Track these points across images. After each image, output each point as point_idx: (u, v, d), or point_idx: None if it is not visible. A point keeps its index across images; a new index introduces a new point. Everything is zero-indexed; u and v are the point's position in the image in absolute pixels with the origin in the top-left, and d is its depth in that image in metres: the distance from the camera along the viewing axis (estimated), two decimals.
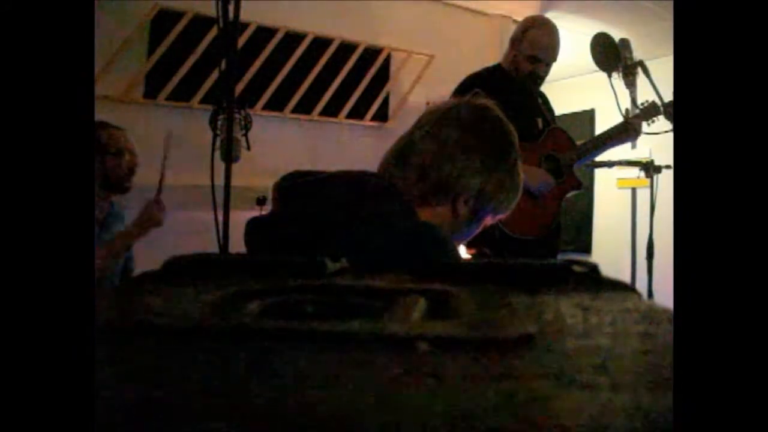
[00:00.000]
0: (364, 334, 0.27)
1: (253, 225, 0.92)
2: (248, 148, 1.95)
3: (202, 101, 3.14)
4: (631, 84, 2.47)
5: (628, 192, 3.61)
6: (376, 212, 0.87)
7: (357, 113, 3.73)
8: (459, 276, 0.45)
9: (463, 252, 2.11)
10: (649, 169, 2.91)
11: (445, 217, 1.00)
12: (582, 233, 5.36)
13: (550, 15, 3.28)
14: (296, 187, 0.92)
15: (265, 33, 3.41)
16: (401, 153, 1.02)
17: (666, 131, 2.33)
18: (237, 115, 1.90)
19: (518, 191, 1.07)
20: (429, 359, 0.24)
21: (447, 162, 0.99)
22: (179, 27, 3.18)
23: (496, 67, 2.43)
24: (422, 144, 1.00)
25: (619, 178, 4.41)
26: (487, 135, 1.02)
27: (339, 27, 3.64)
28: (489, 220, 1.07)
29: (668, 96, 2.30)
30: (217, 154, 1.89)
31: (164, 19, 3.16)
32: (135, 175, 2.08)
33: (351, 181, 0.92)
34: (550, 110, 2.50)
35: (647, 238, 2.92)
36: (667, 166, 2.89)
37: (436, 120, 1.03)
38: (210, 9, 1.97)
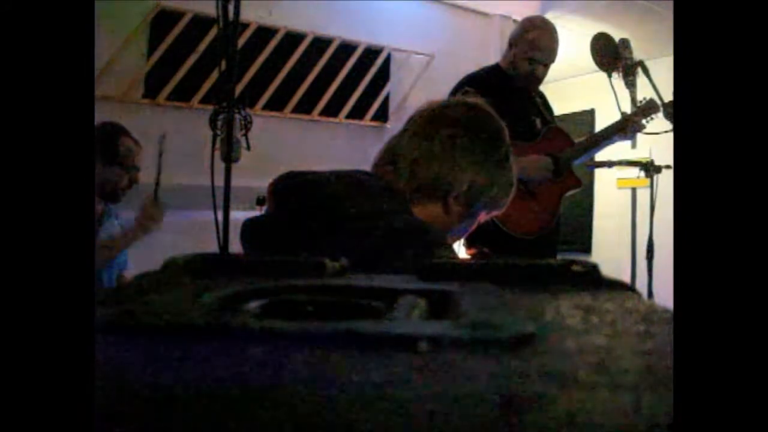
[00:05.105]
0: (363, 335, 0.27)
1: (248, 225, 0.92)
2: (248, 148, 1.95)
3: (202, 101, 3.14)
4: (631, 84, 2.47)
5: (628, 192, 3.61)
6: (371, 211, 0.87)
7: (357, 113, 3.73)
8: (459, 276, 0.45)
9: (463, 252, 2.12)
10: (649, 169, 2.91)
11: (437, 215, 1.01)
12: (582, 233, 5.36)
13: (550, 15, 3.28)
14: (291, 188, 0.92)
15: (265, 33, 3.41)
16: (392, 152, 1.03)
17: (666, 131, 2.33)
18: (237, 115, 1.90)
19: (511, 187, 1.07)
20: (429, 359, 0.24)
21: (436, 160, 0.99)
22: (179, 27, 3.18)
23: (495, 68, 2.44)
24: (412, 142, 1.01)
25: (619, 178, 4.41)
26: (476, 132, 1.02)
27: (339, 27, 3.64)
28: (483, 217, 1.08)
29: (668, 96, 2.30)
30: (217, 154, 1.89)
31: (164, 19, 3.16)
32: (131, 189, 2.11)
33: (345, 180, 0.92)
34: (549, 110, 2.50)
35: (647, 238, 2.92)
36: (667, 166, 2.89)
37: (425, 118, 1.03)
38: (210, 9, 1.97)
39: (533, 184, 2.25)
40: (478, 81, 2.28)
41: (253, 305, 0.35)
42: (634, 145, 3.73)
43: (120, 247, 2.06)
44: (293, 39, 3.50)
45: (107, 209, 2.13)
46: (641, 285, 2.74)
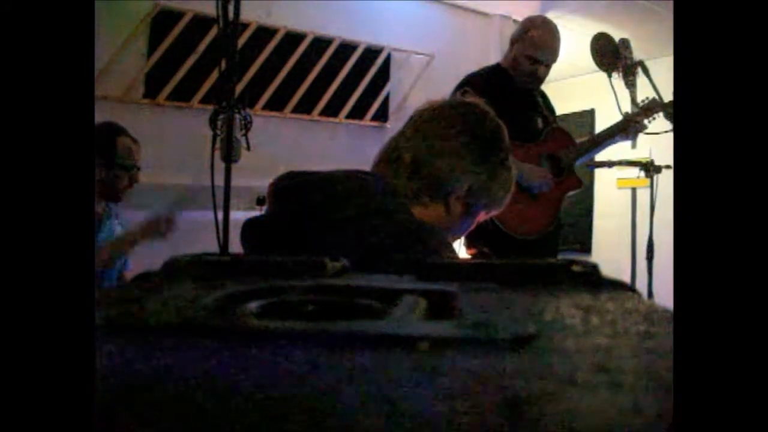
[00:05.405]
0: (364, 335, 0.27)
1: (248, 225, 0.92)
2: (248, 148, 1.95)
3: (202, 101, 3.14)
4: (631, 84, 2.47)
5: (628, 192, 3.61)
6: (371, 211, 0.87)
7: (357, 113, 3.73)
8: (459, 276, 0.45)
9: (463, 252, 2.11)
10: (649, 169, 2.91)
11: (438, 214, 1.01)
12: (582, 233, 5.36)
13: (550, 15, 3.27)
14: (291, 187, 0.92)
15: (265, 33, 3.41)
16: (393, 152, 1.03)
17: (666, 131, 2.33)
18: (237, 115, 1.90)
19: (510, 186, 1.08)
20: (429, 359, 0.24)
21: (438, 159, 0.99)
22: (179, 27, 3.18)
23: (496, 67, 2.43)
24: (413, 142, 1.01)
25: (619, 178, 4.41)
26: (477, 131, 1.02)
27: (339, 27, 3.64)
28: (482, 216, 1.08)
29: (668, 96, 2.30)
30: (217, 154, 1.89)
31: (164, 19, 3.16)
32: (132, 188, 2.10)
33: (345, 180, 0.92)
34: (551, 110, 2.50)
35: (647, 238, 2.91)
36: (667, 166, 2.89)
37: (426, 118, 1.04)
38: (210, 9, 1.97)
39: (533, 189, 2.25)
40: (479, 81, 2.29)
41: (253, 305, 0.35)
42: (634, 145, 3.73)
43: (118, 248, 2.05)
44: (293, 39, 3.50)
45: (108, 210, 2.13)
46: (641, 285, 2.73)
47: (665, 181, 2.52)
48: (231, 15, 1.85)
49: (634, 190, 3.49)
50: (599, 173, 5.01)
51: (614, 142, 2.46)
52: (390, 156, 1.03)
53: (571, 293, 0.40)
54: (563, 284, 0.42)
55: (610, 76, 2.52)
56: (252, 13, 3.18)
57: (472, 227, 1.10)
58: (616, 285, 0.43)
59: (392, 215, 0.89)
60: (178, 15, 3.18)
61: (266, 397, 0.20)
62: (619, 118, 2.46)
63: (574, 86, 5.14)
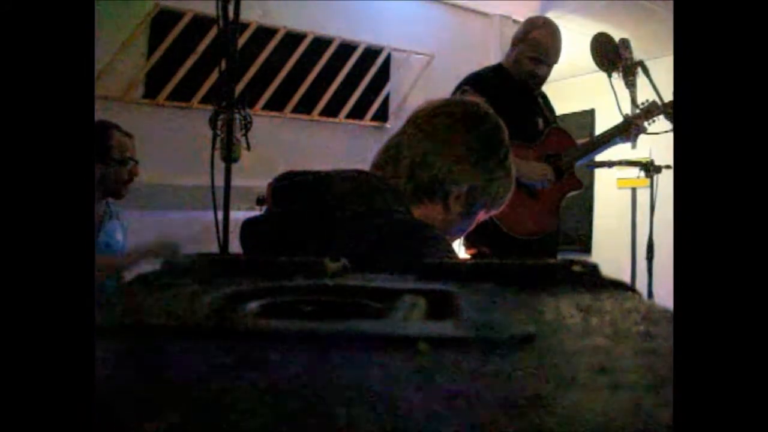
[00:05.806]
0: (364, 335, 0.27)
1: (247, 225, 0.92)
2: (248, 148, 1.95)
3: (202, 101, 3.14)
4: (631, 84, 2.47)
5: (628, 192, 3.61)
6: (371, 211, 0.87)
7: (357, 113, 3.74)
8: (459, 276, 0.45)
9: (463, 252, 2.11)
10: (649, 169, 2.91)
11: (437, 214, 1.01)
12: (582, 233, 5.36)
13: (551, 15, 3.28)
14: (290, 187, 0.92)
15: (265, 33, 3.41)
16: (392, 151, 1.03)
17: (666, 131, 2.33)
18: (237, 115, 1.90)
19: (510, 185, 1.08)
20: (429, 359, 0.24)
21: (437, 159, 0.99)
22: (179, 27, 3.18)
23: (498, 67, 2.43)
24: (412, 142, 1.01)
25: (619, 178, 4.41)
26: (476, 131, 1.02)
27: (339, 27, 3.65)
28: (482, 216, 1.08)
29: (668, 96, 2.30)
30: (217, 154, 1.89)
31: (164, 19, 3.16)
32: (132, 183, 2.10)
33: (345, 180, 0.92)
34: (551, 110, 2.50)
35: (647, 238, 2.92)
36: (667, 166, 2.89)
37: (424, 118, 1.03)
38: (210, 9, 1.97)
39: (534, 187, 2.25)
40: (480, 80, 2.29)
41: (253, 305, 0.35)
42: (634, 146, 3.74)
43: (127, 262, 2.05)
44: (293, 39, 3.51)
45: (109, 210, 2.13)
46: (641, 285, 2.74)
47: (665, 181, 2.52)
48: (231, 15, 1.85)
49: (634, 190, 3.49)
50: (599, 173, 5.01)
51: (614, 144, 2.46)
52: (389, 156, 1.03)
53: (571, 293, 0.40)
54: (563, 284, 0.42)
55: (610, 76, 2.52)
56: (252, 13, 3.19)
57: (472, 227, 1.10)
58: (616, 285, 0.43)
59: (391, 215, 0.89)
60: (178, 15, 3.18)
61: (266, 397, 0.20)
62: (619, 118, 2.46)
63: (574, 86, 5.14)
